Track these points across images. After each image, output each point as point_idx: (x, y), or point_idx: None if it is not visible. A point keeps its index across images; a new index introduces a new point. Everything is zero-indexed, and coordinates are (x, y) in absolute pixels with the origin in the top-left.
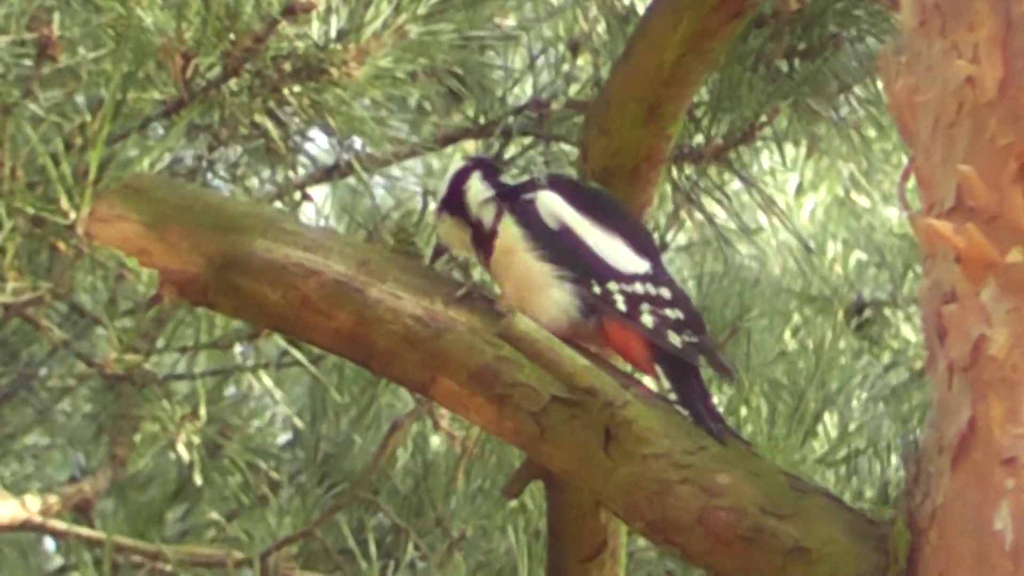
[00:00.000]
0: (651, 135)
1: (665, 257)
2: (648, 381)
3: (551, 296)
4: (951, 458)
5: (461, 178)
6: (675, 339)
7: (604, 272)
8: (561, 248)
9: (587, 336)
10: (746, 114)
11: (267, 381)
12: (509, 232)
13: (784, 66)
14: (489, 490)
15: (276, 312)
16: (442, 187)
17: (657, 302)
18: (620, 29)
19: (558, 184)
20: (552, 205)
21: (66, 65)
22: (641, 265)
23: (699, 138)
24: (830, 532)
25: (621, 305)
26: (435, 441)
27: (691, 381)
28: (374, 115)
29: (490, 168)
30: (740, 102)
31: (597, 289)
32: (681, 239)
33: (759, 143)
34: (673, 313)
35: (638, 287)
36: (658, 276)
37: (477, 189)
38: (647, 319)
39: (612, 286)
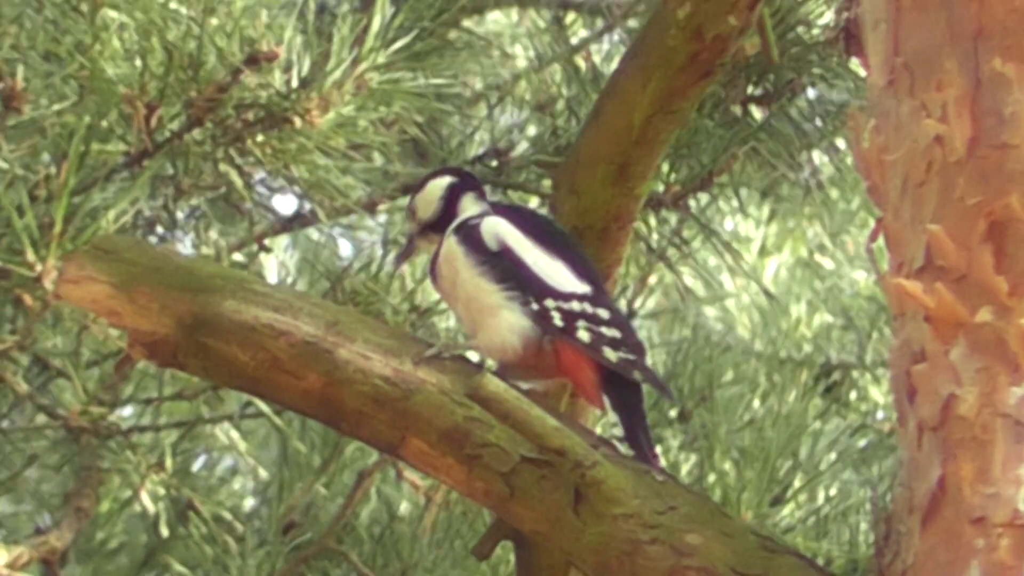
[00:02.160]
0: (620, 195)
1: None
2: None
3: (504, 319)
4: (921, 517)
5: (454, 195)
6: (611, 354)
7: (541, 290)
8: (500, 267)
9: (543, 360)
10: (704, 160)
11: (233, 433)
12: (451, 250)
13: (741, 112)
14: (454, 539)
15: (246, 373)
16: (427, 204)
17: (594, 320)
18: (586, 89)
19: (507, 211)
20: (496, 227)
21: (30, 117)
22: (580, 287)
23: (658, 185)
24: None
25: (558, 321)
26: (401, 491)
27: (636, 416)
28: (338, 164)
29: (477, 187)
30: (698, 148)
31: (535, 306)
32: (650, 304)
33: (721, 203)
34: (610, 331)
35: (575, 305)
36: (597, 298)
37: (471, 210)
38: (583, 335)
39: (549, 303)
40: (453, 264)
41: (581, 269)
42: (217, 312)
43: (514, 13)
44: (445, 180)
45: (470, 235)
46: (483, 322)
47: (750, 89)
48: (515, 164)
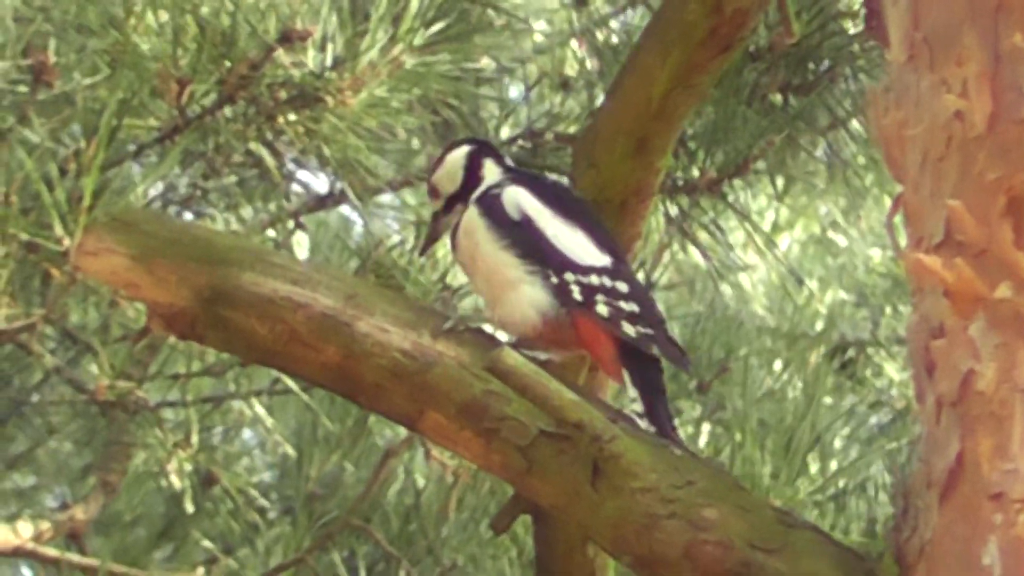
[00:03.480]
0: (639, 169)
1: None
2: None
3: (524, 293)
4: (939, 493)
5: (475, 162)
6: (629, 329)
7: (561, 263)
8: (521, 238)
9: (561, 334)
10: (740, 147)
11: (259, 409)
12: (471, 221)
13: (778, 100)
14: (481, 519)
15: (264, 346)
16: (450, 177)
17: (613, 294)
18: (613, 61)
19: (528, 181)
20: (517, 197)
21: (61, 91)
22: (601, 259)
23: (694, 170)
24: (817, 567)
25: (577, 295)
26: (427, 470)
27: (656, 391)
28: (369, 144)
29: (495, 153)
30: (734, 135)
31: (554, 279)
32: (667, 278)
33: (736, 181)
34: (628, 306)
35: (594, 279)
36: (617, 270)
37: (493, 176)
38: (602, 309)
39: (569, 276)
40: (473, 236)
41: (601, 240)
42: (236, 284)
43: None
44: (463, 150)
45: (492, 206)
46: (503, 296)
47: (786, 77)
48: (550, 147)
